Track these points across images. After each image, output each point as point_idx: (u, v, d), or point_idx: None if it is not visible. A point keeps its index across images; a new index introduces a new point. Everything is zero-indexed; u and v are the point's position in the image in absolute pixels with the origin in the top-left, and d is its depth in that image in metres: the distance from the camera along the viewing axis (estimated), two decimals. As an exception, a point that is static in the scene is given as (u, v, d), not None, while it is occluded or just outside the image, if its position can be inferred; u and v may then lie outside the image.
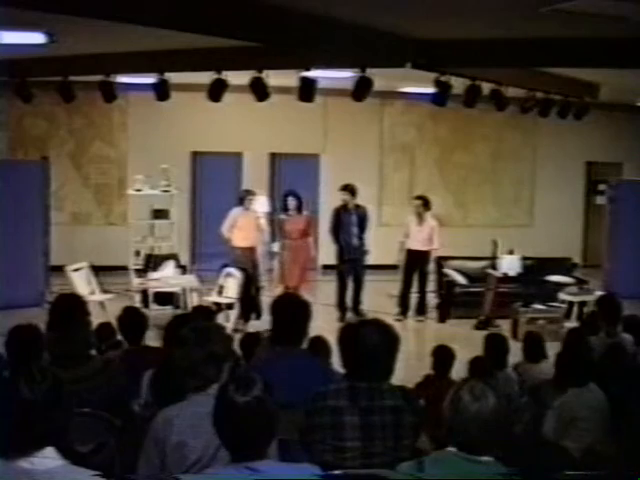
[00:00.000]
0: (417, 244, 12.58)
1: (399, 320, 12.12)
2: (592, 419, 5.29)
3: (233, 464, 3.10)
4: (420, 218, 12.68)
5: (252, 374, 3.24)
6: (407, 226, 12.74)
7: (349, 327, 4.34)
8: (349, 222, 12.34)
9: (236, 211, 12.18)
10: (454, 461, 3.20)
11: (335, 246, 12.48)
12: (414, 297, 12.84)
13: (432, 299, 13.27)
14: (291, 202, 12.13)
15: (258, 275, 12.30)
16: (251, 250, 12.13)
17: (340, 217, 12.39)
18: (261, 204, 14.15)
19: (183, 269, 13.22)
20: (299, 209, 12.22)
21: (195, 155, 16.77)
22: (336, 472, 3.83)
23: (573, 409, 5.34)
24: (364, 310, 12.39)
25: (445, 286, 13.08)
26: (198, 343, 3.88)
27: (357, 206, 12.47)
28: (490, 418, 3.17)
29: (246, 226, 12.10)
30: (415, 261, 12.59)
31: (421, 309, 12.82)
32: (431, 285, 13.42)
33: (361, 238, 12.38)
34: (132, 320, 6.42)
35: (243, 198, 12.19)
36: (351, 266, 12.39)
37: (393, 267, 13.40)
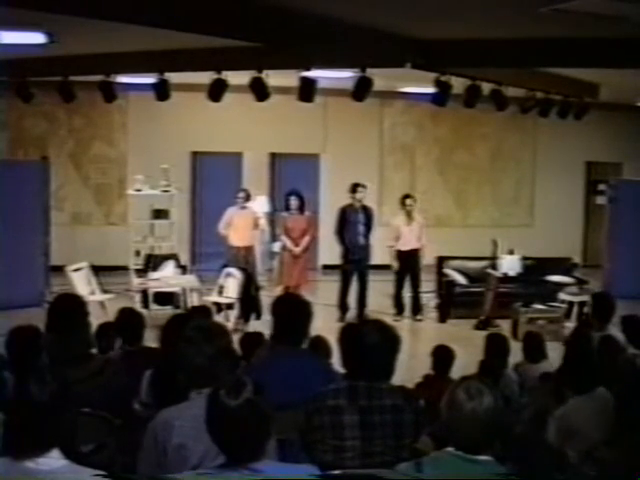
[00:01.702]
0: (409, 244, 12.52)
1: (397, 320, 12.09)
2: (595, 427, 5.08)
3: (232, 465, 3.10)
4: (410, 217, 12.65)
5: (242, 377, 3.24)
6: (396, 228, 12.61)
7: (350, 327, 4.35)
8: (356, 221, 12.29)
9: (231, 210, 12.28)
10: (452, 461, 3.19)
11: (340, 246, 12.37)
12: (409, 297, 12.80)
13: (432, 299, 13.27)
14: (294, 201, 12.13)
15: (255, 274, 12.32)
16: (247, 249, 12.19)
17: (346, 216, 12.33)
18: (261, 204, 14.17)
19: (183, 269, 13.22)
20: (301, 209, 12.23)
21: (195, 155, 16.77)
22: (335, 472, 3.82)
23: (574, 421, 4.98)
24: (367, 312, 12.34)
25: (445, 286, 13.06)
26: (206, 341, 3.87)
27: (363, 206, 12.44)
28: (485, 417, 3.14)
29: (241, 225, 12.16)
30: (408, 261, 12.52)
31: (416, 309, 12.77)
32: (431, 285, 13.42)
33: (367, 237, 12.34)
34: (129, 321, 6.41)
35: (237, 197, 12.33)
36: (356, 266, 12.35)
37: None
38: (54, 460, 3.00)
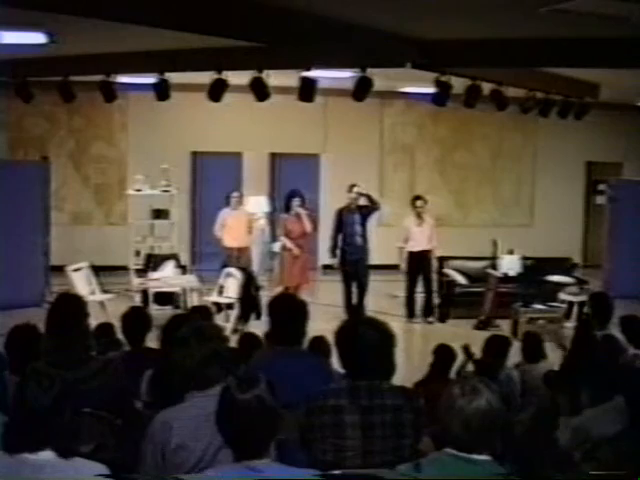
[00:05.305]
0: (419, 245, 12.55)
1: (416, 323, 12.28)
2: (609, 436, 4.92)
3: (233, 464, 3.11)
4: (420, 218, 12.65)
5: (256, 373, 3.25)
6: (407, 229, 12.62)
7: (344, 327, 4.32)
8: (352, 221, 12.25)
9: (225, 211, 12.39)
10: (449, 461, 3.17)
11: (337, 249, 12.32)
12: (419, 298, 12.80)
13: (432, 299, 13.26)
14: (296, 203, 12.13)
15: (254, 275, 12.35)
16: (240, 250, 12.28)
17: (342, 217, 12.29)
18: (260, 204, 14.17)
19: (183, 269, 13.23)
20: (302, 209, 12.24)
21: (195, 155, 16.78)
22: (335, 472, 3.82)
23: (595, 432, 4.71)
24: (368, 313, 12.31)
25: (445, 286, 13.07)
26: (198, 343, 3.87)
27: (359, 206, 12.42)
28: (475, 415, 3.11)
29: (235, 226, 12.26)
30: (419, 262, 12.57)
31: (428, 310, 12.74)
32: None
33: (365, 237, 12.31)
34: (136, 320, 6.37)
35: (229, 198, 12.39)
36: (354, 267, 12.32)
37: (393, 267, 13.39)
38: (53, 458, 3.03)
